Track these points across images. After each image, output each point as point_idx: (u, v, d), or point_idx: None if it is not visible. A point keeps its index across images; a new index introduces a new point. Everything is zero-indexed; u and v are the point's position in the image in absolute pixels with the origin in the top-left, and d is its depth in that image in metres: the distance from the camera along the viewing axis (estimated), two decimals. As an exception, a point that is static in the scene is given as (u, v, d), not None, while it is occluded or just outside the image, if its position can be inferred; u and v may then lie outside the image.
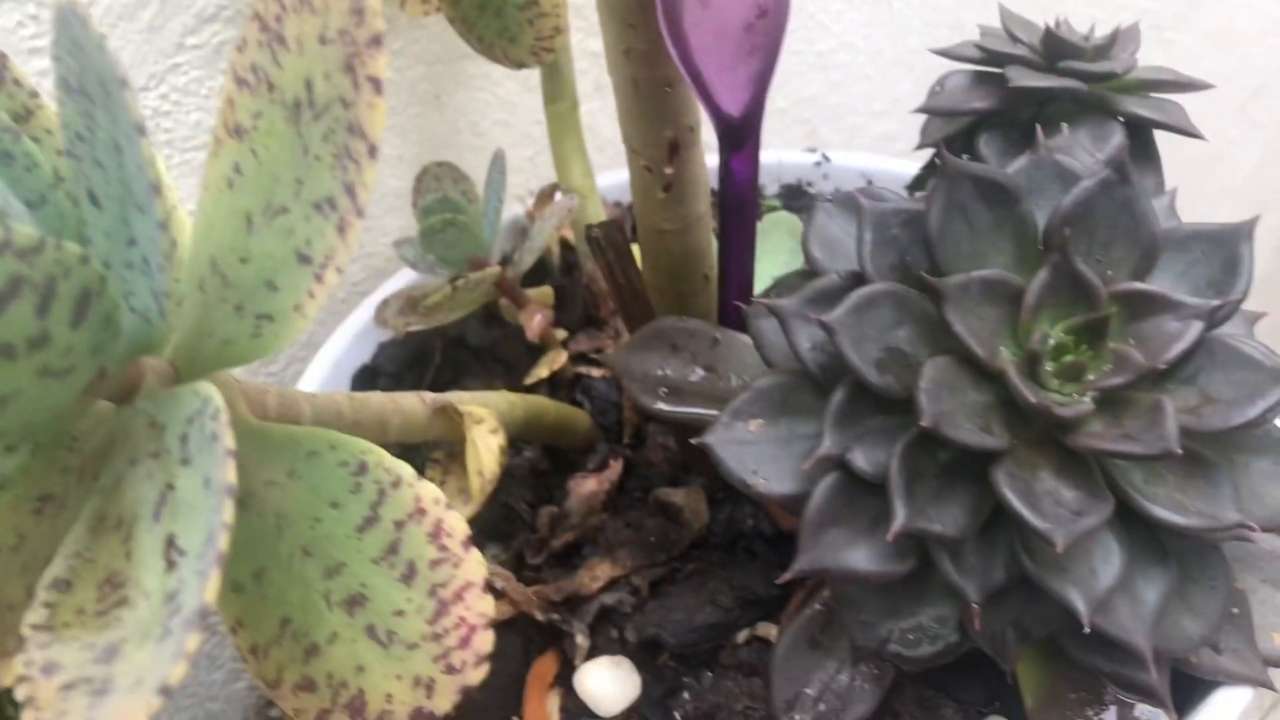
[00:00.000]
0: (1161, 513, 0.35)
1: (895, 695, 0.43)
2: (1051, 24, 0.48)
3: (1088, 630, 0.34)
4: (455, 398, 0.46)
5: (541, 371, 0.54)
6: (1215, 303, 0.35)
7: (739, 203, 0.43)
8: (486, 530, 0.51)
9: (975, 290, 0.36)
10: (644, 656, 0.45)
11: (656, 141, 0.43)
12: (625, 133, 0.44)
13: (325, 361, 0.57)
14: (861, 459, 0.36)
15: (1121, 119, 0.46)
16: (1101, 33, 0.49)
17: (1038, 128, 0.43)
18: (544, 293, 0.57)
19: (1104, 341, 0.36)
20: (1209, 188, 1.15)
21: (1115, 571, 0.35)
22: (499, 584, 0.46)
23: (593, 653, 0.45)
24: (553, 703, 0.44)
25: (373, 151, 0.28)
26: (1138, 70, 0.47)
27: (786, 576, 0.37)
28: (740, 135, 0.41)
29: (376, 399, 0.41)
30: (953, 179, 0.36)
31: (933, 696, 0.43)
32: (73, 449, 0.32)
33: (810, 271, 0.41)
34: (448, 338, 0.60)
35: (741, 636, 0.45)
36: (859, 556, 0.37)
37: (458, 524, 0.33)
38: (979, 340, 0.35)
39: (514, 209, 0.65)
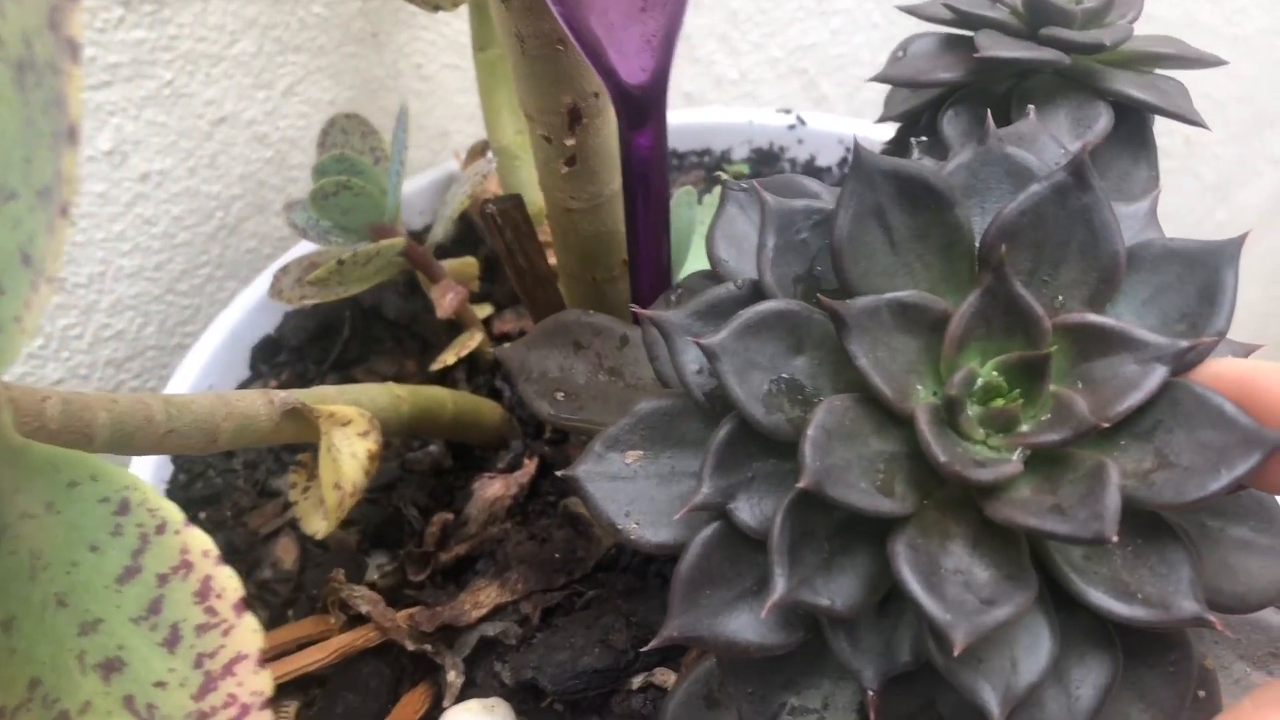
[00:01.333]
0: (1100, 600, 0.28)
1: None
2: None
3: (996, 737, 0.28)
4: (319, 394, 0.40)
5: (448, 358, 0.48)
6: (1184, 344, 0.28)
7: (643, 182, 0.36)
8: (373, 536, 0.46)
9: (887, 315, 0.29)
10: (526, 698, 0.40)
11: (553, 109, 0.37)
12: (520, 96, 0.38)
13: (219, 332, 0.52)
14: (746, 511, 0.30)
15: (1110, 99, 0.39)
16: (1101, -6, 0.42)
17: (988, 113, 0.36)
18: (465, 264, 0.51)
19: (1043, 385, 0.30)
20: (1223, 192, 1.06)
21: (1042, 663, 0.29)
22: (364, 608, 0.41)
23: (467, 691, 0.40)
24: (413, 750, 0.38)
25: (72, 134, 0.22)
26: (1134, 41, 0.40)
27: (653, 645, 0.31)
28: (641, 108, 0.35)
29: (203, 400, 0.35)
30: (867, 176, 0.30)
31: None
32: None
33: (715, 274, 0.34)
34: (362, 309, 0.54)
35: (637, 682, 0.40)
36: (739, 624, 0.31)
37: (230, 583, 0.27)
38: (887, 377, 0.29)
39: (452, 166, 0.59)
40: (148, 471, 0.47)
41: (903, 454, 0.29)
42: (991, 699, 0.28)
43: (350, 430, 0.39)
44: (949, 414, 0.29)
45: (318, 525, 0.39)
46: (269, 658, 0.41)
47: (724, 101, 0.77)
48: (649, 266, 0.39)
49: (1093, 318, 0.29)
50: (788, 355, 0.30)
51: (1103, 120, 0.38)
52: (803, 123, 0.61)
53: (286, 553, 0.45)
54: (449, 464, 0.48)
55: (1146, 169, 0.40)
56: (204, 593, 0.27)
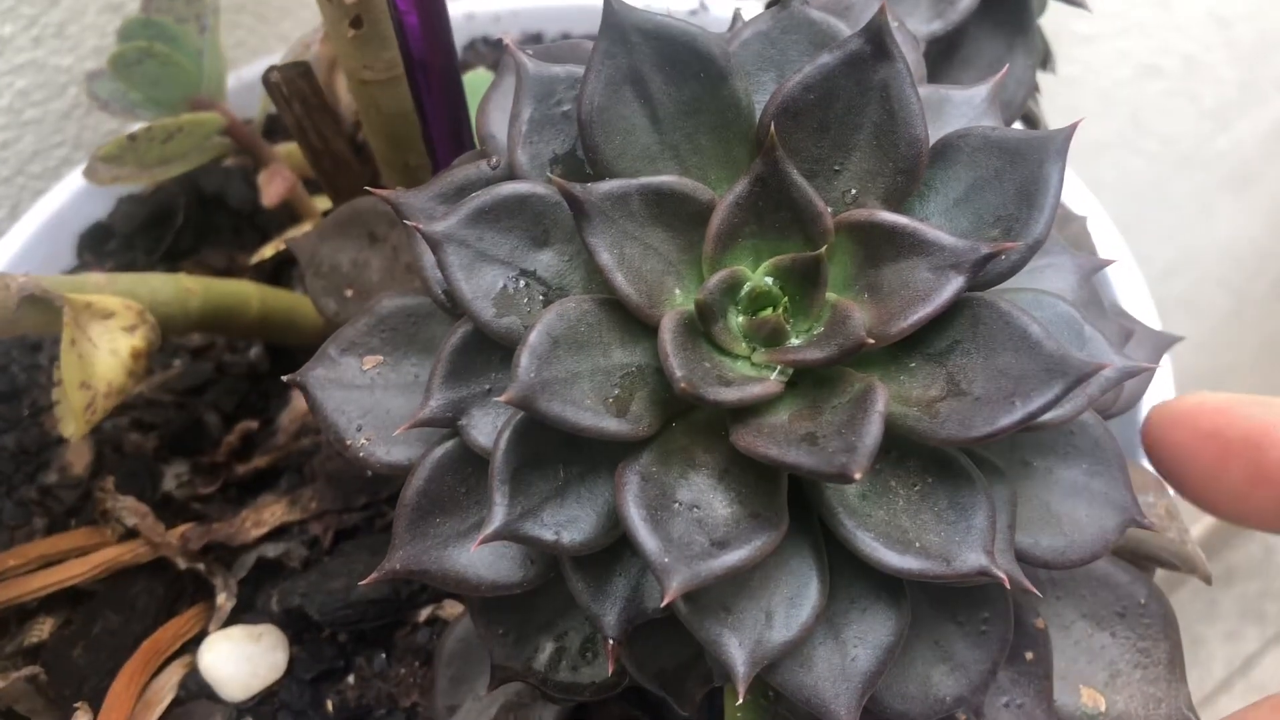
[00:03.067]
0: (869, 547, 0.24)
1: (594, 712, 0.34)
2: None
3: (741, 700, 0.24)
4: (81, 282, 0.36)
5: (266, 251, 0.43)
6: (985, 249, 0.24)
7: (417, 59, 0.32)
8: (173, 444, 0.42)
9: (639, 204, 0.25)
10: (303, 628, 0.36)
11: (326, -39, 0.32)
12: (294, -53, 0.33)
13: (40, 216, 0.48)
14: (479, 428, 0.26)
15: (980, -27, 0.34)
16: None
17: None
18: (296, 150, 0.46)
19: (818, 292, 0.25)
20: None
21: (803, 618, 0.25)
22: (131, 520, 0.37)
23: (239, 617, 0.36)
24: (172, 676, 0.35)
25: None
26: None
27: (371, 579, 0.27)
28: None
29: (-91, 283, 0.31)
30: (622, 35, 0.25)
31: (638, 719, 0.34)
32: None
33: (484, 153, 0.30)
34: (201, 196, 0.50)
35: (423, 615, 0.36)
36: (472, 558, 0.27)
37: None
38: (635, 278, 0.25)
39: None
40: (-61, 362, 0.44)
41: (649, 369, 0.25)
42: (737, 655, 0.24)
43: (113, 324, 0.35)
44: (704, 323, 0.25)
45: (69, 428, 0.35)
46: (38, 565, 0.37)
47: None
48: (446, 155, 0.34)
49: (882, 215, 0.25)
50: (530, 248, 0.26)
51: (966, -2, 0.33)
52: (705, 8, 0.55)
53: (79, 457, 0.41)
54: (267, 366, 0.44)
55: (1024, 58, 0.35)
56: None
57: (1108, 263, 0.29)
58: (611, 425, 0.24)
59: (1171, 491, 0.36)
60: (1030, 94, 0.37)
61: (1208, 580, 0.35)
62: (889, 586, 0.26)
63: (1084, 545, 0.28)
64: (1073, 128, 0.25)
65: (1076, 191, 0.44)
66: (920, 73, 0.29)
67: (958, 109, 0.28)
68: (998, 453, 0.27)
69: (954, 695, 0.28)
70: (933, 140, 0.26)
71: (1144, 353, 0.34)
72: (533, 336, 0.24)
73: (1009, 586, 0.24)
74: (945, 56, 0.34)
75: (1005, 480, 0.27)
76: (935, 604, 0.28)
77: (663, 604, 0.22)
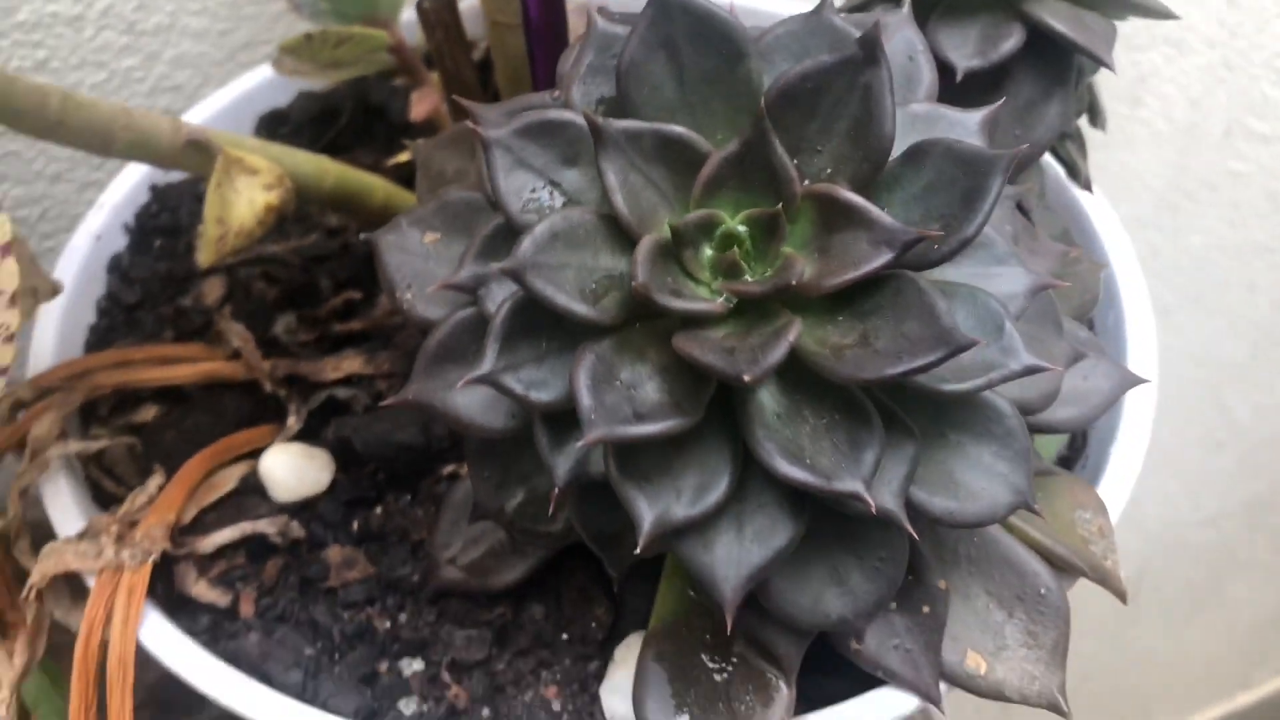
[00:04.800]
0: (767, 452, 0.30)
1: (564, 577, 0.40)
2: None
3: (639, 551, 0.30)
4: (240, 141, 0.43)
5: (401, 156, 0.51)
6: (915, 233, 0.29)
7: (529, 10, 0.38)
8: (290, 298, 0.49)
9: (649, 143, 0.31)
10: (351, 461, 0.43)
11: (478, -86, 0.39)
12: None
13: (231, 93, 0.56)
14: (491, 299, 0.32)
15: (1029, 24, 0.38)
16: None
17: (906, 2, 0.36)
18: (454, 79, 0.54)
19: (776, 243, 0.30)
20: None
21: (706, 502, 0.30)
22: (236, 342, 0.45)
23: (301, 438, 0.44)
24: (235, 471, 0.42)
25: None
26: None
27: (390, 402, 0.34)
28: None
29: (106, 107, 0.39)
30: (666, 8, 0.31)
31: (595, 591, 0.40)
32: None
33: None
34: (366, 102, 0.58)
35: (447, 470, 0.43)
36: (467, 400, 0.33)
37: (3, 227, 0.31)
38: (632, 201, 0.30)
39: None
40: (125, 192, 0.52)
41: (626, 277, 0.31)
42: (646, 516, 0.30)
43: (256, 180, 0.43)
44: (677, 247, 0.31)
45: (202, 256, 0.42)
46: (157, 362, 0.45)
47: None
48: (543, 89, 0.41)
49: (841, 192, 0.30)
50: (561, 164, 0.32)
51: (1010, 41, 0.38)
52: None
53: (213, 291, 0.49)
54: (382, 253, 0.51)
55: (1059, 105, 0.39)
56: (-18, 231, 0.31)
57: (1054, 284, 0.33)
58: (581, 309, 0.29)
59: (1111, 517, 0.40)
60: (1063, 142, 0.41)
61: (1122, 597, 0.38)
62: (793, 501, 0.31)
63: (973, 512, 0.32)
64: (1016, 152, 0.30)
65: (1122, 255, 0.48)
66: (931, 91, 0.34)
67: (950, 126, 0.33)
68: (918, 418, 0.32)
69: (839, 615, 0.33)
70: (911, 143, 0.31)
71: (1106, 383, 0.38)
72: (538, 228, 0.30)
73: (874, 512, 0.29)
74: (986, 91, 0.39)
75: (915, 440, 0.31)
76: (840, 537, 0.33)
77: (579, 444, 0.28)
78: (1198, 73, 0.80)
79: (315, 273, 0.50)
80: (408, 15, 0.54)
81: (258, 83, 0.57)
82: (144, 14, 0.62)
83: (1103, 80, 0.43)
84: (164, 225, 0.52)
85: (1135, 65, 0.80)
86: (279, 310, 0.49)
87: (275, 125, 0.57)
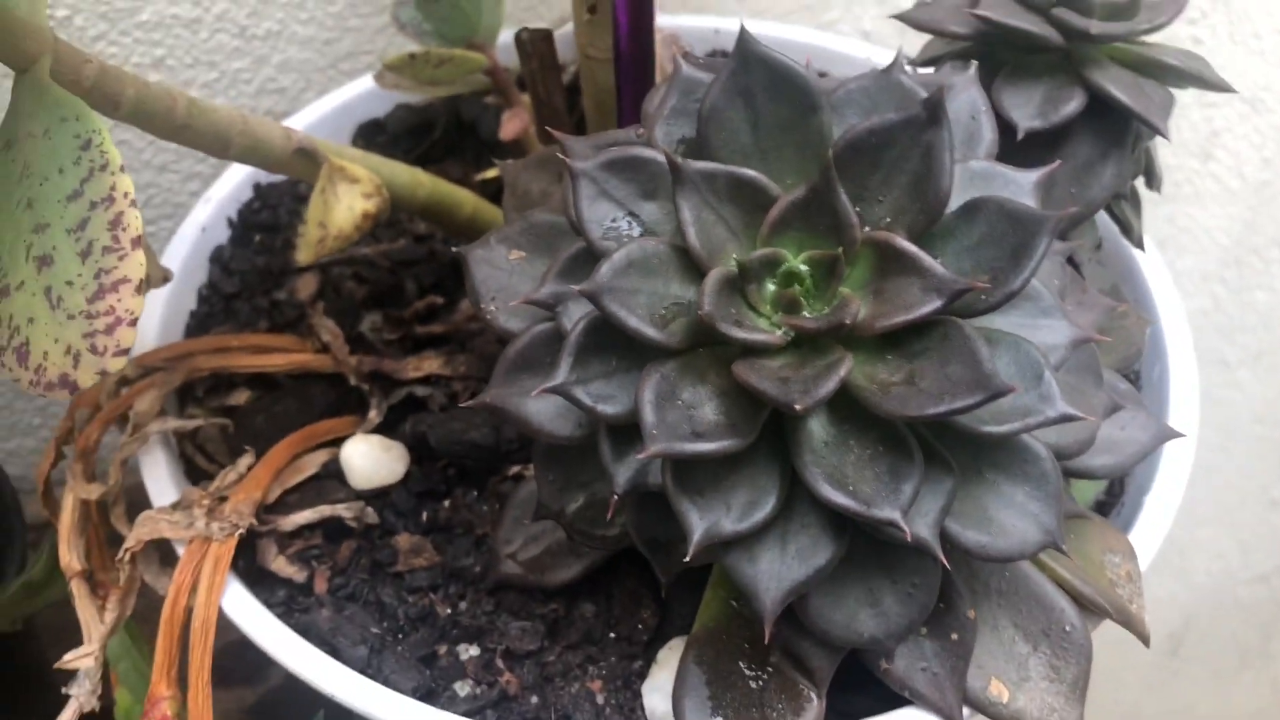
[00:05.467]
0: (812, 476, 0.32)
1: (616, 579, 0.43)
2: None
3: (688, 559, 0.32)
4: (343, 150, 0.47)
5: (489, 172, 0.54)
6: (964, 284, 0.31)
7: (621, 47, 0.41)
8: (377, 298, 0.52)
9: (722, 183, 0.33)
10: (426, 456, 0.46)
11: (579, -44, 0.42)
12: (562, -58, 0.43)
13: (333, 101, 0.60)
14: (569, 316, 0.35)
15: (1090, 90, 0.40)
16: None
17: (973, 64, 0.39)
18: (540, 101, 0.57)
19: (834, 283, 0.33)
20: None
21: (754, 518, 0.33)
22: (326, 337, 0.48)
23: (380, 430, 0.47)
24: (318, 457, 0.45)
25: None
26: (1151, 48, 0.41)
27: (469, 402, 0.37)
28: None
29: (225, 112, 0.42)
30: (746, 60, 0.33)
31: (644, 594, 0.42)
32: None
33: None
34: (459, 119, 0.61)
35: (513, 471, 0.46)
36: (539, 408, 0.36)
37: (135, 221, 0.34)
38: (703, 235, 0.33)
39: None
40: (231, 188, 0.56)
41: (693, 305, 0.33)
42: (697, 526, 0.32)
43: (356, 188, 0.46)
44: (742, 281, 0.33)
45: (302, 255, 0.46)
46: (252, 350, 0.48)
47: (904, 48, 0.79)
48: (628, 122, 0.44)
49: (897, 240, 0.32)
50: (640, 197, 0.35)
51: (1071, 105, 0.40)
52: (910, 64, 0.63)
53: (306, 287, 0.53)
54: (465, 262, 0.54)
55: (1115, 167, 0.41)
56: (116, 223, 0.34)
57: (1095, 339, 0.35)
58: (650, 332, 0.32)
59: (1141, 564, 0.41)
60: (1119, 202, 0.43)
61: (1145, 641, 0.40)
62: (834, 523, 0.34)
63: (1004, 548, 0.34)
64: (1065, 214, 0.32)
65: (1172, 311, 0.49)
66: (990, 149, 0.37)
67: (1005, 184, 0.35)
68: (957, 455, 0.34)
69: (871, 634, 0.35)
70: (967, 198, 0.34)
71: (1143, 435, 0.40)
72: (616, 255, 0.32)
73: (910, 541, 0.31)
74: (1046, 150, 0.41)
75: (952, 476, 0.34)
76: (877, 561, 0.35)
77: (640, 456, 0.30)
78: (1272, 131, 0.81)
79: (402, 276, 0.53)
80: (503, 38, 0.57)
81: (358, 93, 0.60)
82: (256, 20, 0.66)
83: (1175, 133, 0.44)
84: (264, 222, 0.56)
85: (1209, 121, 0.81)
86: (366, 309, 0.52)
87: (372, 134, 0.61)
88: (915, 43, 0.70)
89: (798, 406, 0.30)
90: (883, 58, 0.64)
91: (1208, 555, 1.06)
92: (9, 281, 0.36)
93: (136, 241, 0.34)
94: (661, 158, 0.34)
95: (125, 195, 0.34)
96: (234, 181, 0.56)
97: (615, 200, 0.35)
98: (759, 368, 0.32)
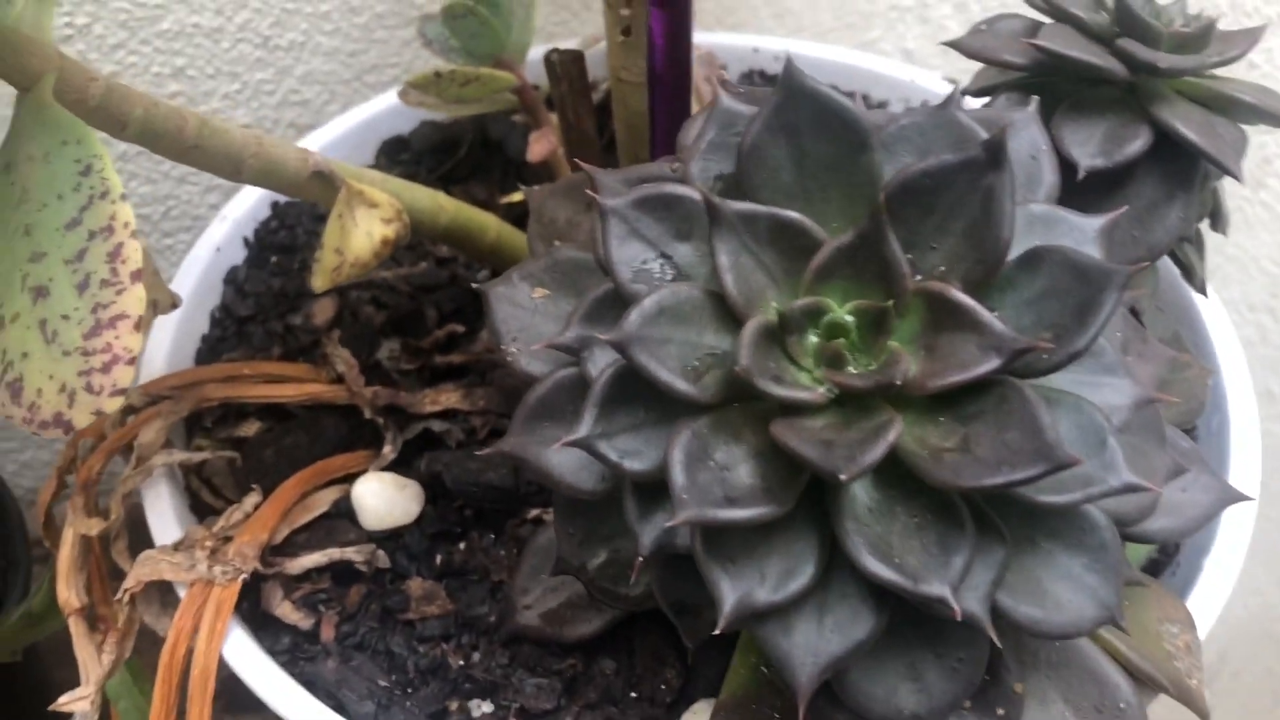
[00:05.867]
0: (855, 547, 0.29)
1: (638, 635, 0.40)
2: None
3: (718, 631, 0.30)
4: (362, 174, 0.45)
5: (515, 196, 0.52)
6: (1025, 343, 0.28)
7: (657, 71, 0.39)
8: (396, 324, 0.50)
9: (764, 226, 0.31)
10: (441, 494, 0.44)
11: (615, -23, 0.40)
12: (595, -41, 0.40)
13: (357, 117, 0.58)
14: (594, 363, 0.33)
15: (1157, 128, 0.37)
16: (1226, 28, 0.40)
17: (1034, 99, 0.36)
18: (573, 122, 0.54)
19: (882, 337, 0.30)
20: None
21: (790, 589, 0.30)
22: (341, 368, 0.46)
23: (394, 468, 0.44)
24: (328, 495, 0.43)
25: None
26: (1222, 82, 0.38)
27: (487, 451, 0.34)
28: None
29: (238, 133, 0.40)
30: (791, 94, 0.31)
31: (667, 653, 0.40)
32: None
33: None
34: (485, 138, 0.59)
35: (531, 514, 0.43)
36: (560, 460, 0.33)
37: (134, 254, 0.32)
38: (741, 281, 0.31)
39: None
40: (248, 207, 0.54)
41: (729, 356, 0.31)
42: (728, 597, 0.30)
43: (375, 213, 0.44)
44: (783, 332, 0.31)
45: (316, 281, 0.44)
46: (264, 379, 0.46)
47: (946, 68, 0.76)
48: (660, 154, 0.41)
49: (952, 291, 0.30)
50: (674, 238, 0.32)
51: (1136, 144, 0.37)
52: (964, 96, 0.60)
53: (323, 311, 0.51)
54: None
55: (1181, 209, 0.38)
56: (115, 255, 0.32)
57: (1160, 399, 0.33)
58: (681, 386, 0.30)
59: (1200, 632, 0.39)
60: (1182, 245, 0.40)
61: (1204, 717, 0.37)
62: (876, 596, 0.31)
63: (1058, 623, 0.32)
64: (1134, 268, 0.29)
65: (1232, 359, 0.47)
66: (1052, 192, 0.34)
67: (1068, 231, 0.33)
68: (1009, 522, 0.32)
69: (912, 711, 0.33)
70: (1028, 247, 0.31)
71: (1205, 497, 0.37)
72: (646, 301, 0.30)
73: (959, 617, 0.29)
74: (1108, 190, 0.38)
75: (1005, 546, 0.31)
76: (920, 634, 0.33)
77: (668, 524, 0.28)
78: (1325, 159, 0.78)
79: (422, 302, 0.51)
80: (532, 55, 0.55)
81: (383, 109, 0.58)
82: (279, 30, 0.64)
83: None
84: (282, 242, 0.54)
85: (1260, 148, 0.78)
86: (384, 336, 0.50)
87: (397, 151, 0.59)
88: (958, 64, 0.68)
89: (842, 476, 0.27)
90: (926, 79, 0.62)
91: (1245, 590, 1.03)
92: (3, 314, 0.34)
93: (136, 275, 0.32)
94: (697, 196, 0.32)
95: (125, 225, 0.32)
96: (251, 200, 0.54)
97: (647, 240, 0.32)
98: (799, 428, 0.29)
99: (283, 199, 0.55)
